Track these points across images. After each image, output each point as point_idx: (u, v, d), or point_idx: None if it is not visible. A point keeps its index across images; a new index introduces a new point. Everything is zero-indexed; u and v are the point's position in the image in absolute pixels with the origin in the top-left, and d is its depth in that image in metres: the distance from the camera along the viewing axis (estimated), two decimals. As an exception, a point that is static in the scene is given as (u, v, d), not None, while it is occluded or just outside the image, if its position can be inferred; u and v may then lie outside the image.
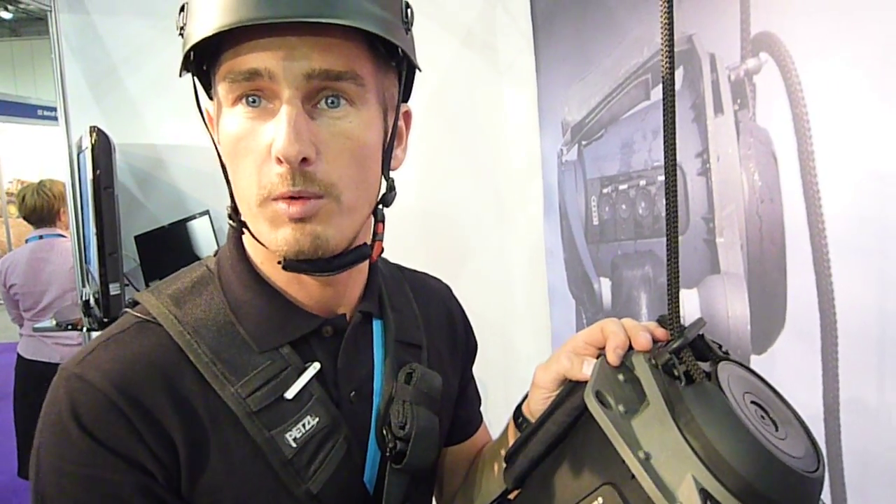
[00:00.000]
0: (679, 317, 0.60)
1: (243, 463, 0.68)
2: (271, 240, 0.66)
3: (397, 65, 0.72)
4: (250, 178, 0.65)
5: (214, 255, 0.79)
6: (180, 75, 0.69)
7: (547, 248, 2.51)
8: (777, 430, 0.54)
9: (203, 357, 0.68)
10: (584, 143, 2.08)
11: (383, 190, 0.74)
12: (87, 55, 2.67)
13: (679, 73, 1.50)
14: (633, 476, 0.52)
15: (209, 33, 0.60)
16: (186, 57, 0.65)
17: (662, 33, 0.53)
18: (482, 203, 2.58)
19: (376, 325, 0.83)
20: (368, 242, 0.74)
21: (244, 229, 0.71)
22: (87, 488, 0.62)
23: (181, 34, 0.66)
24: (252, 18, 0.59)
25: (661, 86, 1.62)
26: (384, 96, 0.71)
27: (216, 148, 0.71)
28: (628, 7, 1.75)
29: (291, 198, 0.63)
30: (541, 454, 0.66)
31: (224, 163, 0.69)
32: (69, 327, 2.66)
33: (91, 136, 2.05)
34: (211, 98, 0.71)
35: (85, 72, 2.68)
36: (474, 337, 1.04)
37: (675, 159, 0.56)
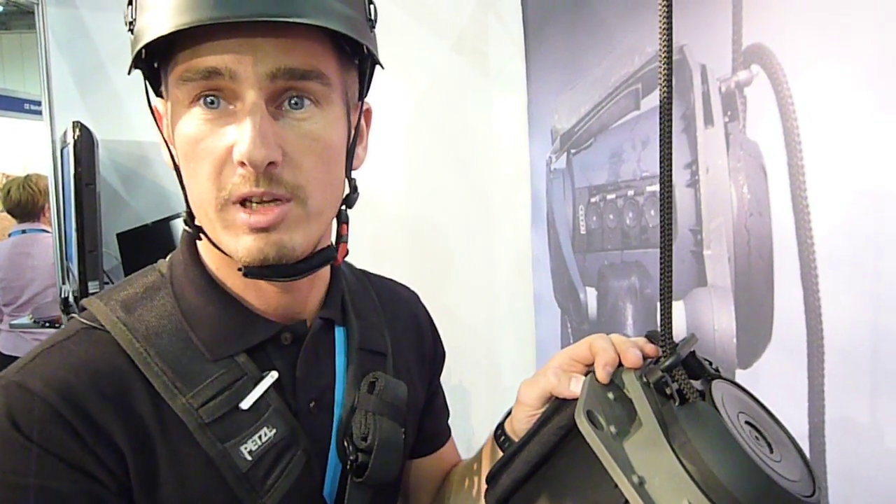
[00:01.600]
0: (671, 333, 0.58)
1: (195, 477, 0.65)
2: (232, 248, 0.63)
3: (360, 62, 0.70)
4: (208, 182, 0.62)
5: (167, 259, 0.76)
6: (129, 72, 0.66)
7: (534, 255, 2.50)
8: (772, 451, 0.52)
9: (153, 366, 0.65)
10: (573, 151, 2.08)
11: (347, 191, 0.73)
12: (74, 50, 2.64)
13: (670, 84, 1.49)
14: (627, 502, 0.50)
15: (166, 32, 0.57)
16: (137, 54, 0.62)
17: (661, 39, 0.51)
18: (470, 209, 2.57)
19: (339, 333, 0.81)
20: (332, 244, 0.73)
21: (201, 235, 0.68)
22: (37, 499, 0.59)
23: (130, 30, 0.63)
24: (213, 17, 0.56)
25: (651, 95, 1.61)
26: (347, 95, 0.69)
27: (168, 149, 0.69)
28: (619, 17, 1.74)
29: (250, 201, 0.61)
30: (525, 475, 0.64)
31: (178, 166, 0.66)
32: (46, 324, 2.63)
33: (74, 131, 2.02)
34: (159, 95, 0.69)
35: (71, 66, 2.65)
36: (442, 346, 1.01)
37: (670, 174, 0.54)
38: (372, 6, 0.69)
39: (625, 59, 1.71)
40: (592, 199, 1.95)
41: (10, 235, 3.29)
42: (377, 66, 0.73)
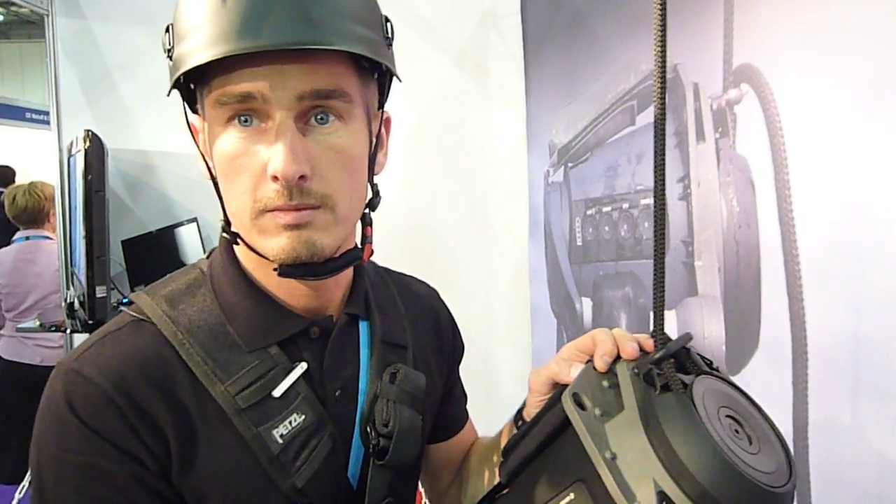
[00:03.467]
0: (663, 329, 0.63)
1: (232, 457, 0.71)
2: (267, 249, 0.69)
3: (379, 76, 0.76)
4: (245, 194, 0.68)
5: (207, 258, 0.82)
6: (168, 94, 0.72)
7: (531, 267, 2.54)
8: (750, 444, 0.56)
9: (195, 356, 0.71)
10: (570, 165, 2.13)
11: (370, 195, 0.79)
12: (82, 60, 2.69)
13: (664, 101, 1.55)
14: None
15: (205, 61, 0.63)
16: (177, 79, 0.68)
17: (656, 37, 0.56)
18: (469, 221, 2.61)
19: (363, 327, 0.86)
20: (357, 244, 0.79)
21: (237, 240, 0.74)
22: (86, 475, 0.65)
23: (169, 56, 0.68)
24: (249, 47, 0.62)
25: (646, 112, 1.67)
26: (367, 107, 0.74)
27: (206, 162, 0.74)
28: (616, 35, 1.80)
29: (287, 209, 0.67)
30: (532, 452, 0.69)
31: (216, 178, 0.72)
32: (52, 328, 2.66)
33: (85, 139, 2.07)
34: (194, 111, 0.74)
35: (79, 76, 2.70)
36: (461, 339, 1.08)
37: (663, 167, 0.59)
38: (389, 24, 0.75)
39: (621, 76, 1.77)
40: (588, 212, 2.00)
41: (13, 241, 3.32)
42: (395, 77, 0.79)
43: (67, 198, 2.67)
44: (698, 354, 0.65)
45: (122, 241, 2.65)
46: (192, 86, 0.71)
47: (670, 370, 0.60)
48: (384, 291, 0.94)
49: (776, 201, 1.21)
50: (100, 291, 2.09)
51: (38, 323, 2.77)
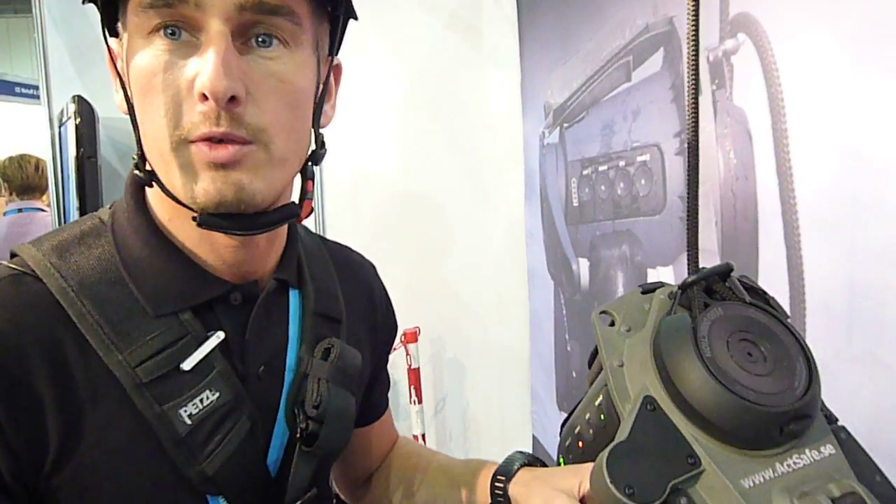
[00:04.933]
0: (697, 259, 0.70)
1: (127, 441, 0.61)
2: (187, 190, 0.58)
3: (333, 9, 0.66)
4: (164, 118, 0.57)
5: (109, 207, 0.70)
6: (84, 2, 0.61)
7: (527, 230, 2.54)
8: (761, 366, 0.58)
9: (87, 318, 0.60)
10: (565, 125, 2.11)
11: (314, 146, 0.69)
12: (71, 27, 2.64)
13: (659, 55, 1.53)
14: None
15: None
16: None
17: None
18: (464, 186, 2.60)
19: (293, 296, 0.77)
20: (296, 202, 0.69)
21: (153, 182, 0.63)
22: None
23: None
24: None
25: (641, 67, 1.64)
26: (318, 43, 0.65)
27: (124, 90, 0.62)
28: (612, -9, 1.77)
29: (213, 140, 0.57)
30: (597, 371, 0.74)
31: (132, 103, 0.60)
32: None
33: (74, 104, 2.04)
34: (114, 34, 0.64)
35: (68, 45, 2.65)
36: (395, 318, 0.99)
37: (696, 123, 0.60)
38: None
39: (616, 32, 1.75)
40: (585, 172, 1.99)
41: (4, 215, 3.29)
42: (350, 25, 0.70)
43: (59, 168, 2.64)
44: (749, 286, 0.67)
45: (116, 211, 2.63)
46: None
47: (696, 294, 0.63)
48: (319, 259, 0.85)
49: (774, 151, 1.20)
50: (94, 259, 2.08)
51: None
